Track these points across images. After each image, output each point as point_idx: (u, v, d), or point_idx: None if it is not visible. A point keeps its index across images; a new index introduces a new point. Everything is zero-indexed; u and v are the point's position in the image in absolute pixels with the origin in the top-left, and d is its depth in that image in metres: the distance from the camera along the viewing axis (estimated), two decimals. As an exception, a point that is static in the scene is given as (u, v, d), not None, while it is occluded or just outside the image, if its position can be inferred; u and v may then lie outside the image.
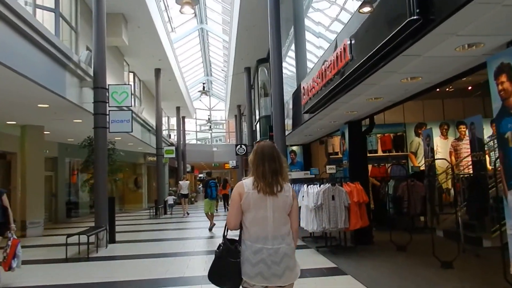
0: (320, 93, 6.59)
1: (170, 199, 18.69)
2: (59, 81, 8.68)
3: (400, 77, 4.93)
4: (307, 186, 7.97)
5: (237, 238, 2.63)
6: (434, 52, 3.97)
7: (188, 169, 35.09)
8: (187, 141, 34.86)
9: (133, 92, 20.15)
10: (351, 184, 7.75)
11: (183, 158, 31.72)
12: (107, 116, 9.85)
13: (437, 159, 11.27)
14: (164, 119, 31.54)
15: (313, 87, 6.85)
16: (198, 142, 40.09)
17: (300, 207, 8.48)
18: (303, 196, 8.05)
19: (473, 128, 7.75)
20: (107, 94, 9.89)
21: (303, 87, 7.75)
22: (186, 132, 34.68)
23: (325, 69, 6.00)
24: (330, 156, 13.42)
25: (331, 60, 5.61)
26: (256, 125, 21.47)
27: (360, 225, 7.57)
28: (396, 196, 10.15)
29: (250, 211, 2.54)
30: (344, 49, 4.97)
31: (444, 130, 12.79)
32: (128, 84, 10.10)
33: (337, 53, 5.30)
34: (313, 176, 11.47)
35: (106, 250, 9.15)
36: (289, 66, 12.69)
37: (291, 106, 10.56)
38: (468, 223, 7.87)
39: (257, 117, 21.33)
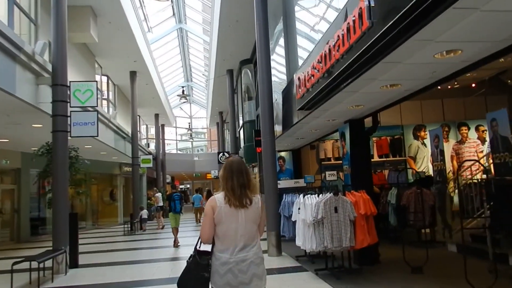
0: (321, 82, 5.40)
1: (144, 214, 17.11)
2: (7, 75, 7.27)
3: (438, 49, 3.76)
4: (304, 197, 6.72)
5: (209, 250, 2.73)
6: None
7: (168, 179, 33.48)
8: (167, 151, 33.31)
9: (106, 97, 18.68)
10: (355, 193, 6.55)
11: (162, 168, 30.14)
12: (68, 118, 8.45)
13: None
14: (143, 128, 29.99)
15: (313, 75, 5.65)
16: (179, 152, 38.49)
17: (295, 222, 7.24)
18: (299, 209, 6.80)
19: (494, 125, 6.68)
20: (68, 92, 8.51)
21: (298, 78, 6.55)
22: (166, 141, 33.20)
23: (330, 49, 4.80)
24: (322, 162, 12.24)
25: (339, 36, 4.42)
26: (239, 132, 20.22)
27: (368, 242, 6.36)
28: (400, 206, 9.01)
29: (222, 224, 2.66)
30: (360, 15, 3.77)
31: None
32: (94, 81, 8.73)
33: (348, 23, 4.11)
34: (305, 185, 10.33)
35: (64, 277, 7.68)
36: (277, 65, 11.54)
37: (280, 106, 9.36)
38: (491, 237, 6.74)
39: (241, 123, 20.10)
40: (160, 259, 9.38)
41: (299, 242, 6.82)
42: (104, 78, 18.57)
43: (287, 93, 8.67)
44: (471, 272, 4.93)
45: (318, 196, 6.60)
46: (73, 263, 8.54)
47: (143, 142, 29.50)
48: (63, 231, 8.14)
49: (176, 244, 10.97)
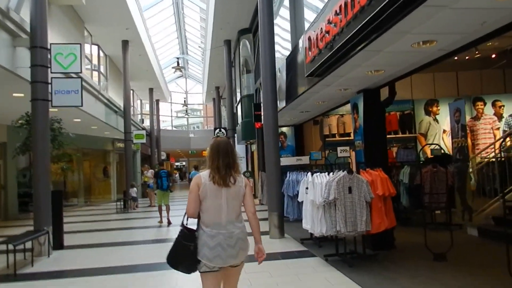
0: (338, 39, 4.56)
1: (133, 192, 16.35)
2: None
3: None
4: (313, 175, 5.97)
5: (195, 228, 2.86)
6: None
7: (163, 156, 32.72)
8: (162, 127, 32.41)
9: (96, 68, 17.67)
10: (372, 171, 5.80)
11: (157, 144, 29.32)
12: (49, 86, 7.59)
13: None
14: (137, 103, 29.01)
15: (328, 31, 4.79)
16: (174, 129, 37.59)
17: (301, 203, 6.51)
18: (306, 188, 6.05)
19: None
20: (48, 56, 7.60)
21: (309, 38, 5.66)
22: (161, 118, 32.24)
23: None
24: (326, 139, 11.48)
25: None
26: (237, 107, 19.35)
27: (386, 226, 5.66)
28: (413, 186, 8.32)
29: (207, 200, 2.82)
30: None
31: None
32: (77, 44, 7.80)
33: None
34: (308, 162, 9.61)
35: (46, 260, 6.97)
36: (281, 32, 10.60)
37: (284, 76, 8.51)
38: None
39: (238, 98, 19.21)
40: (150, 240, 8.70)
41: (306, 225, 6.11)
42: (95, 48, 17.50)
43: (291, 60, 7.81)
44: (501, 259, 4.22)
45: (328, 174, 5.85)
46: (58, 244, 7.83)
47: (138, 118, 28.58)
48: (45, 210, 7.40)
49: (161, 221, 11.00)
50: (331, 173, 5.84)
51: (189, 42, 27.41)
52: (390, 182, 5.81)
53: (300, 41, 6.61)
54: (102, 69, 18.58)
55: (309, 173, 6.03)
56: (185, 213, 2.87)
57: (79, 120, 13.95)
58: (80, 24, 14.80)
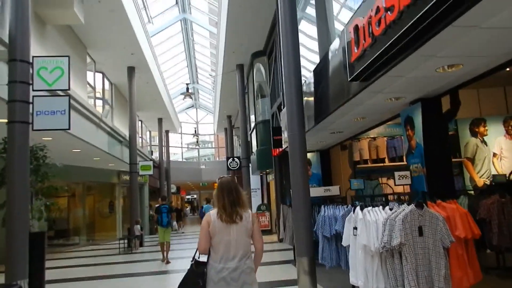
0: (406, 19, 3.17)
1: (137, 230, 14.78)
2: None
3: None
4: (362, 209, 4.46)
5: (205, 260, 3.03)
6: None
7: (173, 189, 31.32)
8: (172, 159, 31.16)
9: (101, 97, 16.61)
10: (445, 204, 4.27)
11: (166, 177, 27.97)
12: (30, 105, 6.31)
13: None
14: (145, 134, 27.93)
15: (390, 7, 3.39)
16: (184, 160, 36.32)
17: (346, 248, 4.97)
18: (355, 229, 4.52)
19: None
20: (30, 71, 6.37)
21: (355, 28, 4.24)
22: (171, 150, 31.11)
23: None
24: (357, 166, 9.96)
25: None
26: (251, 134, 18.01)
27: (470, 282, 4.06)
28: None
29: (216, 236, 3.01)
30: None
31: (509, 128, 9.51)
32: (65, 56, 6.57)
33: None
34: (338, 194, 8.09)
35: (15, 325, 5.45)
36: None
37: (312, 90, 7.13)
38: None
39: (252, 126, 17.91)
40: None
41: (355, 279, 4.53)
42: (99, 76, 16.51)
43: (322, 70, 6.45)
44: None
45: (383, 208, 4.34)
46: (37, 301, 6.34)
47: (147, 150, 27.41)
48: (19, 259, 5.93)
49: (164, 260, 10.42)
50: (393, 208, 4.33)
51: (199, 71, 26.55)
52: (472, 218, 4.25)
53: (336, 42, 5.26)
54: (107, 96, 17.55)
55: (358, 208, 4.50)
56: (197, 249, 3.07)
57: (78, 150, 12.69)
58: (82, 49, 13.82)
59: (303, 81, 7.01)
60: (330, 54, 5.88)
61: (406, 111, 5.38)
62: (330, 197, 8.58)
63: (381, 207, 4.45)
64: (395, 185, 5.31)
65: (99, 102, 16.57)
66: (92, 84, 15.32)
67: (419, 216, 3.93)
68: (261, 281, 7.63)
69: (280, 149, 12.71)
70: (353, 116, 6.16)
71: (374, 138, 10.01)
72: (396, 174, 4.99)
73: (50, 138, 10.62)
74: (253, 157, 16.64)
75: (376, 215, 4.33)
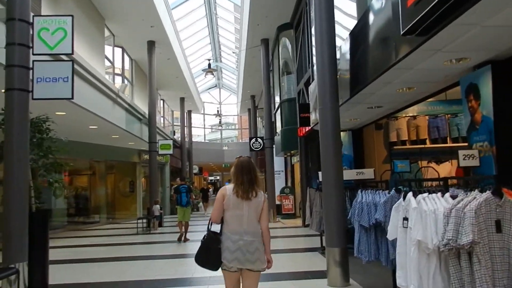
0: None
1: (156, 210, 14.26)
2: None
3: None
4: (417, 197, 3.57)
5: (218, 231, 3.30)
6: None
7: (195, 170, 30.89)
8: (194, 140, 30.65)
9: (122, 73, 16.00)
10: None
11: (188, 157, 27.50)
12: (30, 71, 5.63)
13: None
14: (167, 113, 27.40)
15: None
16: (207, 141, 35.77)
17: (391, 242, 4.13)
18: (405, 220, 3.65)
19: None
20: (30, 31, 5.68)
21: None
22: (194, 132, 30.54)
23: None
24: (394, 147, 8.97)
25: None
26: (275, 114, 17.12)
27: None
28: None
29: (230, 210, 3.26)
30: None
31: None
32: (68, 16, 5.82)
33: None
34: (372, 178, 7.23)
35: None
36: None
37: (347, 57, 6.17)
38: None
39: (276, 105, 17.00)
40: (170, 280, 6.49)
41: (404, 281, 3.67)
42: (119, 51, 15.87)
43: (362, 29, 5.47)
44: None
45: (442, 195, 3.45)
46: (39, 284, 5.78)
47: (169, 130, 26.91)
48: (18, 240, 5.35)
49: (181, 239, 10.54)
50: (447, 195, 3.43)
51: (223, 48, 25.62)
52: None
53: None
54: (127, 73, 16.94)
55: (410, 194, 3.61)
56: (210, 219, 3.34)
57: (95, 127, 12.15)
58: (99, 21, 13.14)
59: (337, 48, 6.07)
60: (373, 8, 4.90)
61: (468, 78, 4.38)
62: (362, 181, 7.76)
63: (439, 193, 3.55)
64: (458, 167, 4.36)
65: (119, 80, 15.99)
66: (111, 59, 14.71)
67: (497, 207, 3.01)
68: (284, 271, 6.91)
69: (307, 129, 11.80)
70: (398, 85, 5.18)
71: (414, 117, 8.93)
72: (461, 153, 4.03)
73: (64, 113, 10.09)
74: (277, 137, 15.80)
75: (434, 203, 3.44)
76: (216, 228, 3.31)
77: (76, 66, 9.07)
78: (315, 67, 9.25)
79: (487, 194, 3.05)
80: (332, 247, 5.66)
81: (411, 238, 3.52)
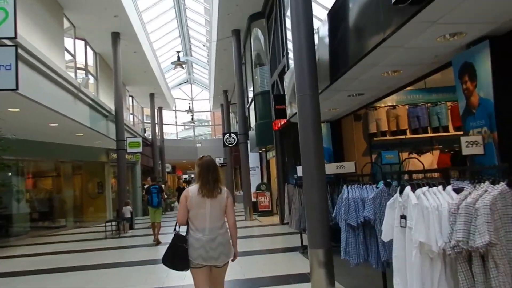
0: None
1: (127, 211, 13.52)
2: None
3: None
4: (415, 191, 3.09)
5: (185, 232, 3.44)
6: None
7: (168, 169, 30.02)
8: (166, 138, 29.74)
9: (85, 67, 15.05)
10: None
11: (161, 156, 26.60)
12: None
13: None
14: (137, 110, 26.39)
15: None
16: (179, 138, 34.84)
17: (389, 243, 3.66)
18: (402, 218, 3.17)
19: None
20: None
21: None
22: (166, 129, 29.62)
23: None
24: (374, 139, 8.59)
25: None
26: (249, 108, 16.57)
27: None
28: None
29: (193, 209, 3.40)
30: None
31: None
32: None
33: None
34: (353, 171, 6.87)
35: None
36: None
37: (326, 41, 5.66)
38: None
39: (250, 99, 16.46)
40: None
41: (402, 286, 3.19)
42: (81, 43, 14.90)
43: (339, 10, 4.97)
44: None
45: (443, 188, 2.99)
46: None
47: (139, 127, 25.91)
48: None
49: (155, 241, 10.30)
50: (449, 188, 2.98)
51: (193, 42, 24.81)
52: None
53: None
54: (91, 68, 15.97)
55: (408, 189, 3.12)
56: (176, 222, 3.47)
57: (55, 124, 11.27)
58: (57, 10, 12.20)
59: (314, 30, 5.55)
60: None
61: (462, 56, 3.94)
62: (343, 174, 7.34)
63: (439, 187, 3.09)
64: (460, 156, 3.90)
65: (82, 75, 15.02)
66: (73, 53, 13.76)
67: (514, 202, 2.56)
68: (263, 275, 6.39)
69: (282, 122, 11.32)
70: (383, 68, 4.70)
71: (394, 107, 8.57)
72: (463, 140, 3.56)
73: (18, 109, 9.22)
74: (252, 132, 15.25)
75: (436, 199, 2.97)
76: (182, 229, 3.44)
77: (29, 57, 8.28)
78: (290, 55, 8.76)
79: (502, 186, 2.60)
80: (315, 248, 5.16)
81: (411, 240, 3.04)
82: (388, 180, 4.36)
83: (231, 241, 3.48)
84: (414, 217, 2.97)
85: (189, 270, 3.39)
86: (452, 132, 8.30)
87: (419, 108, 8.53)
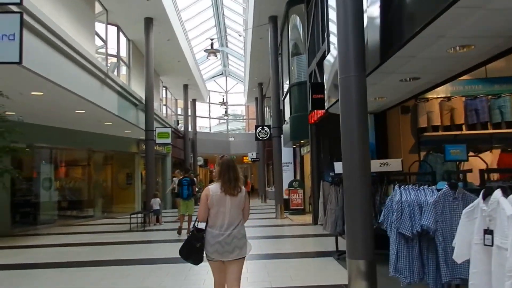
0: None
1: (155, 204, 13.06)
2: None
3: None
4: (506, 192, 2.20)
5: (203, 228, 3.56)
6: None
7: (200, 162, 29.65)
8: (199, 130, 29.39)
9: (117, 54, 14.71)
10: None
11: (193, 148, 26.25)
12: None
13: None
14: (171, 102, 26.11)
15: None
16: (212, 132, 34.46)
17: (465, 263, 2.75)
18: (487, 233, 2.28)
19: None
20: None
21: None
22: (199, 123, 29.29)
23: None
24: (424, 134, 7.57)
25: None
26: (283, 100, 15.73)
27: None
28: None
29: (214, 207, 3.53)
30: None
31: None
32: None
33: None
34: (400, 169, 6.01)
35: None
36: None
37: (375, 13, 4.75)
38: None
39: (284, 92, 15.61)
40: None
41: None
42: (113, 30, 14.56)
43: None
44: None
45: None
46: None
47: (172, 119, 25.64)
48: None
49: (181, 232, 10.40)
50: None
51: (229, 32, 24.20)
52: None
53: None
54: (123, 54, 15.63)
55: (498, 192, 2.24)
56: (196, 218, 3.61)
57: (82, 111, 10.90)
58: (88, -6, 11.82)
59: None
60: None
61: None
62: (387, 173, 6.47)
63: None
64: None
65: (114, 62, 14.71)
66: (104, 39, 13.40)
67: None
68: (293, 284, 5.61)
69: (319, 115, 10.42)
70: (451, 41, 3.70)
71: (448, 98, 7.50)
72: None
73: (41, 93, 8.84)
74: (286, 126, 14.42)
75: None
76: (201, 225, 3.54)
77: (52, 37, 7.84)
78: (332, 39, 7.86)
79: None
80: (355, 258, 4.31)
81: (502, 265, 2.16)
82: (453, 181, 3.46)
83: (245, 235, 3.60)
84: (511, 234, 2.09)
85: (205, 263, 3.59)
86: (518, 129, 7.15)
87: (478, 100, 7.40)
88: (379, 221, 4.11)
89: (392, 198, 3.79)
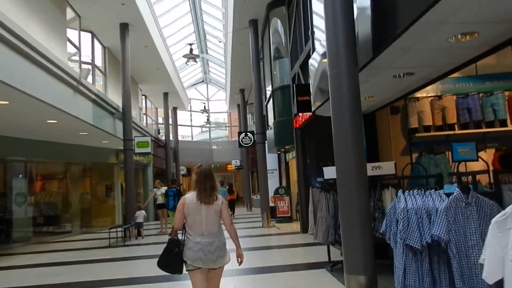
0: None
1: (140, 216, 12.44)
2: None
3: None
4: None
5: (180, 236, 3.65)
6: None
7: (183, 171, 28.96)
8: (181, 139, 28.72)
9: (92, 61, 14.08)
10: None
11: (175, 158, 25.60)
12: None
13: None
14: (151, 111, 25.44)
15: None
16: (195, 140, 33.80)
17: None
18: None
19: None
20: None
21: None
22: (181, 132, 28.65)
23: None
24: (415, 135, 7.24)
25: None
26: (267, 105, 15.33)
27: None
28: None
29: (190, 216, 3.58)
30: None
31: None
32: None
33: None
34: (393, 173, 5.69)
35: None
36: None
37: (367, 2, 4.36)
38: None
39: (267, 95, 15.23)
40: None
41: None
42: (87, 36, 13.94)
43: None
44: None
45: None
46: None
47: (153, 129, 24.94)
48: None
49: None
50: None
51: (208, 38, 23.75)
52: None
53: None
54: (99, 62, 15.00)
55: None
56: (172, 227, 3.68)
57: (54, 121, 10.27)
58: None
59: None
60: None
61: None
62: (379, 177, 6.14)
63: None
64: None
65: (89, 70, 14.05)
66: (78, 45, 12.78)
67: None
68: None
69: (304, 119, 10.05)
70: (454, 28, 3.32)
71: (439, 97, 7.20)
72: None
73: (6, 102, 8.21)
74: (270, 131, 14.01)
75: None
76: (178, 234, 3.60)
77: (16, 41, 7.27)
78: (317, 34, 7.48)
79: None
80: (355, 274, 3.87)
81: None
82: (464, 184, 3.06)
83: (226, 244, 3.62)
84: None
85: (187, 281, 3.66)
86: (511, 127, 6.88)
87: (470, 99, 7.10)
88: (381, 231, 3.67)
89: (395, 205, 3.37)
